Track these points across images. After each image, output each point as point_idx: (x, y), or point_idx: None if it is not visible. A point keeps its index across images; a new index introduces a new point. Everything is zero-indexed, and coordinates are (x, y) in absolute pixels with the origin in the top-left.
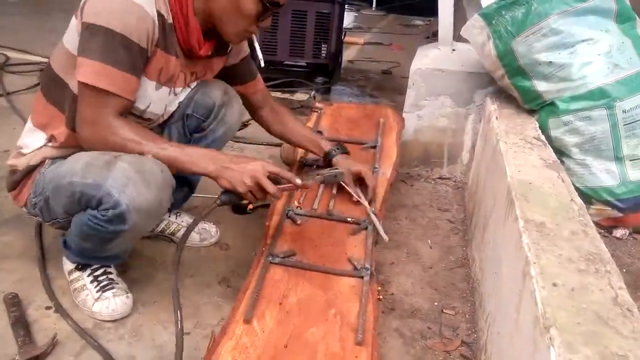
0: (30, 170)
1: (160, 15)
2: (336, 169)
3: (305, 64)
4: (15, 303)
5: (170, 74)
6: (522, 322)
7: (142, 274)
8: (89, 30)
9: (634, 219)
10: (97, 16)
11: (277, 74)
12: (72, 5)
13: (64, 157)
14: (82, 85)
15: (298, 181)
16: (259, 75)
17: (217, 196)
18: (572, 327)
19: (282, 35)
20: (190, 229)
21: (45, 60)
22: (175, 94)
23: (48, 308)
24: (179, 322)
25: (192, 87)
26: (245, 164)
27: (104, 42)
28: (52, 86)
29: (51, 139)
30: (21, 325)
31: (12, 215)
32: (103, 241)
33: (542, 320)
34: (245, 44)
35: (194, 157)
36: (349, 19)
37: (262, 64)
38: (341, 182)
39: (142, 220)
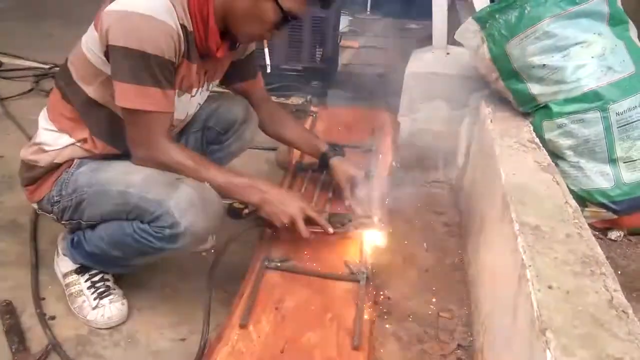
0: (54, 168)
1: (183, 27)
2: (367, 217)
3: (301, 68)
4: (9, 310)
5: (191, 81)
6: (518, 325)
7: (138, 279)
8: (121, 54)
9: (629, 221)
10: (127, 38)
11: (273, 78)
12: (67, 12)
13: (95, 159)
14: (125, 110)
15: (330, 230)
16: (259, 74)
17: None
18: (568, 329)
19: (278, 40)
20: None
21: (40, 66)
22: (192, 96)
23: (43, 315)
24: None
25: (205, 87)
26: (287, 204)
27: (138, 64)
28: (69, 91)
29: (83, 140)
30: (15, 332)
31: (6, 222)
32: (139, 254)
33: (538, 323)
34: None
35: (242, 187)
36: (343, 23)
37: (269, 70)
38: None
39: (191, 244)
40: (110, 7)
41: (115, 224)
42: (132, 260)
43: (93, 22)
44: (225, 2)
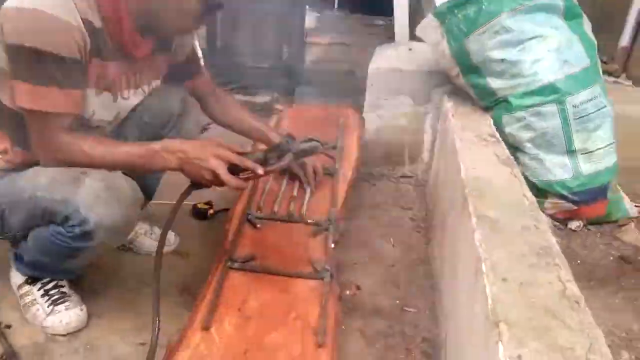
0: None
1: (87, 22)
2: (310, 139)
3: (267, 66)
4: None
5: (109, 79)
6: (475, 318)
7: (96, 285)
8: (16, 51)
9: (588, 211)
10: (21, 36)
11: (238, 75)
12: None
13: (17, 170)
14: (24, 110)
15: (260, 171)
16: (203, 67)
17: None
18: (521, 321)
19: (243, 37)
20: (164, 232)
21: None
22: (125, 98)
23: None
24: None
25: (146, 89)
26: (204, 157)
27: (33, 63)
28: None
29: (4, 152)
30: None
31: None
32: (64, 257)
33: (491, 315)
34: (189, 37)
35: (151, 156)
36: (310, 19)
37: (202, 63)
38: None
39: (108, 237)
40: (6, 4)
41: (37, 230)
42: (65, 265)
43: None
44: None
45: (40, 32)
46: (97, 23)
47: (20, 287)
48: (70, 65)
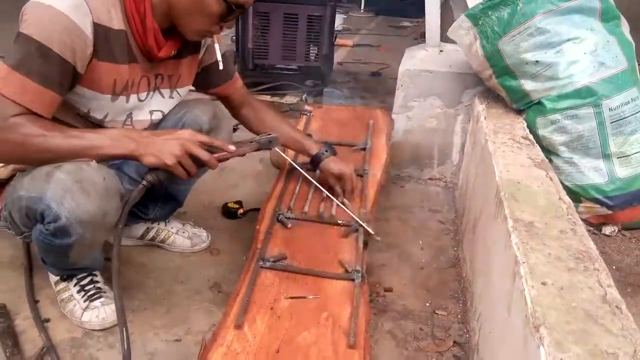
0: (3, 184)
1: (99, 26)
2: (269, 134)
3: (296, 67)
4: (2, 314)
5: (124, 82)
6: (512, 322)
7: (132, 281)
8: (16, 38)
9: (623, 216)
10: (23, 25)
11: (267, 77)
12: None
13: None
14: None
15: (232, 147)
16: (236, 73)
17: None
18: (561, 325)
19: (274, 39)
20: (125, 209)
21: None
22: (141, 100)
23: (38, 318)
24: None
25: (171, 93)
26: (170, 134)
27: (22, 49)
28: None
29: None
30: (9, 336)
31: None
32: (59, 255)
33: (531, 319)
34: (222, 40)
35: (111, 139)
36: (337, 21)
37: (221, 67)
38: (299, 169)
39: (87, 231)
40: None
41: (32, 230)
42: (69, 264)
43: None
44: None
45: (42, 23)
46: (119, 24)
47: (56, 283)
48: (55, 64)
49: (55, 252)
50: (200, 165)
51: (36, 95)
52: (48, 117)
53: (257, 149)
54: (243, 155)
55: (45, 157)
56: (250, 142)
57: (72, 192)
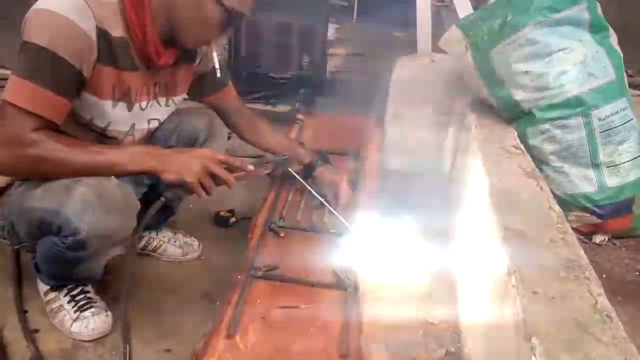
0: (1, 192)
1: (101, 30)
2: (285, 156)
3: (289, 76)
4: None
5: (124, 89)
6: (504, 331)
7: (121, 291)
8: (21, 48)
9: (613, 225)
10: (28, 33)
11: (260, 86)
12: None
13: (29, 181)
14: (3, 103)
15: (250, 167)
16: (230, 83)
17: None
18: (553, 335)
19: (266, 48)
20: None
21: None
22: (142, 109)
23: (27, 329)
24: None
25: (168, 101)
26: (190, 153)
27: (30, 58)
28: None
29: None
30: None
31: None
32: (68, 266)
33: (523, 328)
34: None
35: (132, 156)
36: (330, 30)
37: (219, 74)
38: (306, 184)
39: (104, 246)
40: (35, 5)
41: (40, 241)
42: (73, 274)
43: None
44: (165, 6)
45: (46, 30)
46: (119, 32)
47: (46, 293)
48: (64, 69)
49: (64, 263)
50: (218, 184)
51: (50, 104)
52: (61, 124)
53: (273, 169)
54: (260, 175)
55: (66, 172)
56: (267, 163)
57: (94, 207)
